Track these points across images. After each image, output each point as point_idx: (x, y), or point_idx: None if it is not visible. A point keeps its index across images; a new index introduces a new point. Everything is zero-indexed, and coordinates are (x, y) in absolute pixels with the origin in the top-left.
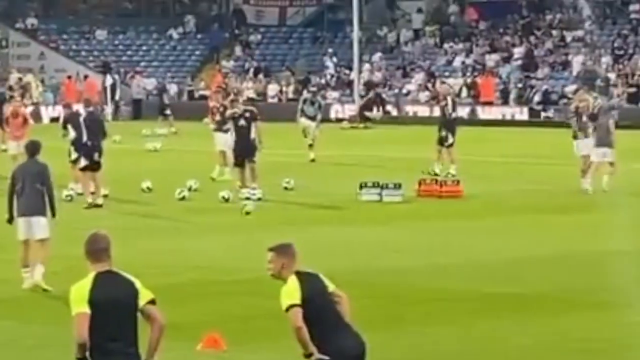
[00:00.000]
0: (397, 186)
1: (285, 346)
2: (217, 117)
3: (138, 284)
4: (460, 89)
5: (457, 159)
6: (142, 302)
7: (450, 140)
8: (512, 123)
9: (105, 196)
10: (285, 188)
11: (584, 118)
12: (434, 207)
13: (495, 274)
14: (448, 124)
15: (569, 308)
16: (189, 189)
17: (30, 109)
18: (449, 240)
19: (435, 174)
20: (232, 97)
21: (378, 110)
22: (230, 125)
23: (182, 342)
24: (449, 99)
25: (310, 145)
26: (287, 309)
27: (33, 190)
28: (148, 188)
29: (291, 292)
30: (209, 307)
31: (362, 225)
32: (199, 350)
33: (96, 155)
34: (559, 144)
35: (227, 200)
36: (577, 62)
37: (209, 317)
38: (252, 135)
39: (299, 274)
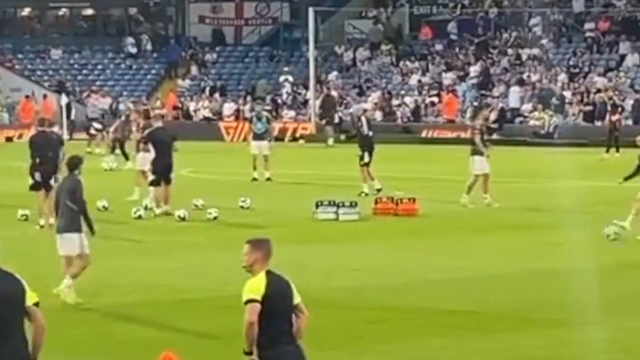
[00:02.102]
0: (353, 204)
1: None
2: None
3: (25, 284)
4: (417, 108)
5: (375, 176)
6: (29, 301)
7: (367, 159)
8: (469, 141)
9: None
10: (242, 207)
11: (486, 136)
12: (390, 225)
13: (451, 292)
14: (364, 143)
15: (523, 326)
16: (145, 208)
17: None
18: (405, 259)
19: (366, 194)
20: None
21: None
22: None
23: None
24: (364, 118)
25: (255, 168)
26: (246, 302)
27: (66, 207)
28: (104, 207)
29: (255, 287)
30: (163, 325)
31: (319, 243)
32: None
33: (38, 176)
34: (513, 162)
35: (183, 219)
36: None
37: (164, 336)
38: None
39: (269, 273)
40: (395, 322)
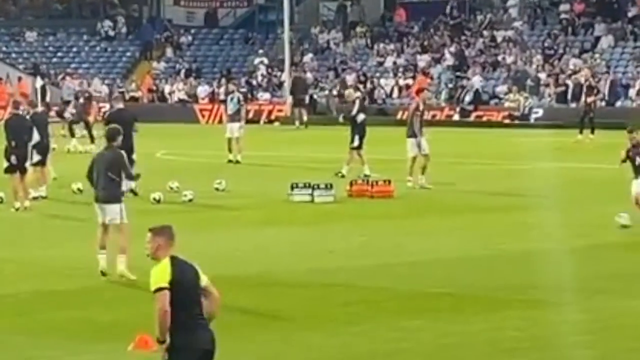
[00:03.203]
0: (329, 186)
1: None
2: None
3: None
4: (392, 90)
5: (366, 160)
6: None
7: (356, 142)
8: (444, 123)
9: (44, 197)
10: (217, 189)
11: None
12: (366, 207)
13: (427, 274)
14: (354, 126)
15: (499, 307)
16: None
17: None
18: (380, 240)
19: (342, 176)
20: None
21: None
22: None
23: (114, 343)
24: (357, 102)
25: (230, 150)
26: (155, 291)
27: (106, 178)
28: (79, 189)
29: (161, 273)
30: (139, 308)
31: (294, 225)
32: (130, 351)
33: (13, 158)
34: (487, 144)
35: (158, 201)
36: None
37: (140, 319)
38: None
39: (173, 258)
40: (369, 304)
